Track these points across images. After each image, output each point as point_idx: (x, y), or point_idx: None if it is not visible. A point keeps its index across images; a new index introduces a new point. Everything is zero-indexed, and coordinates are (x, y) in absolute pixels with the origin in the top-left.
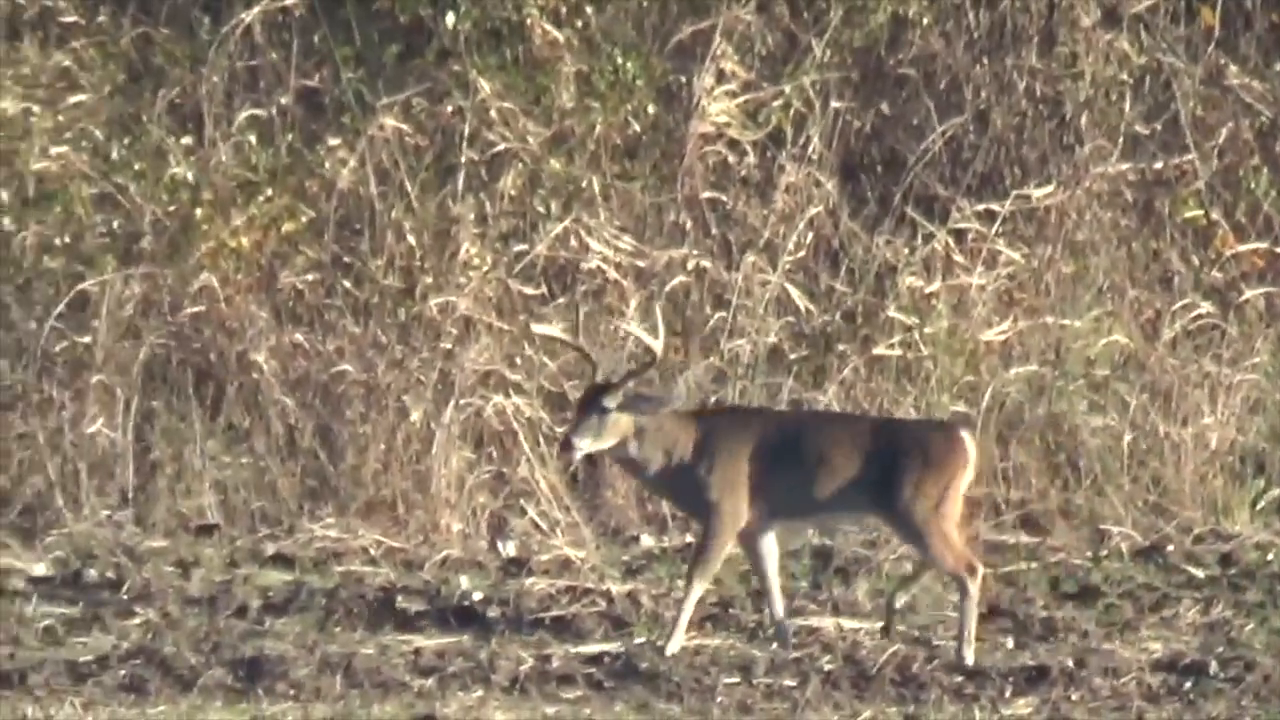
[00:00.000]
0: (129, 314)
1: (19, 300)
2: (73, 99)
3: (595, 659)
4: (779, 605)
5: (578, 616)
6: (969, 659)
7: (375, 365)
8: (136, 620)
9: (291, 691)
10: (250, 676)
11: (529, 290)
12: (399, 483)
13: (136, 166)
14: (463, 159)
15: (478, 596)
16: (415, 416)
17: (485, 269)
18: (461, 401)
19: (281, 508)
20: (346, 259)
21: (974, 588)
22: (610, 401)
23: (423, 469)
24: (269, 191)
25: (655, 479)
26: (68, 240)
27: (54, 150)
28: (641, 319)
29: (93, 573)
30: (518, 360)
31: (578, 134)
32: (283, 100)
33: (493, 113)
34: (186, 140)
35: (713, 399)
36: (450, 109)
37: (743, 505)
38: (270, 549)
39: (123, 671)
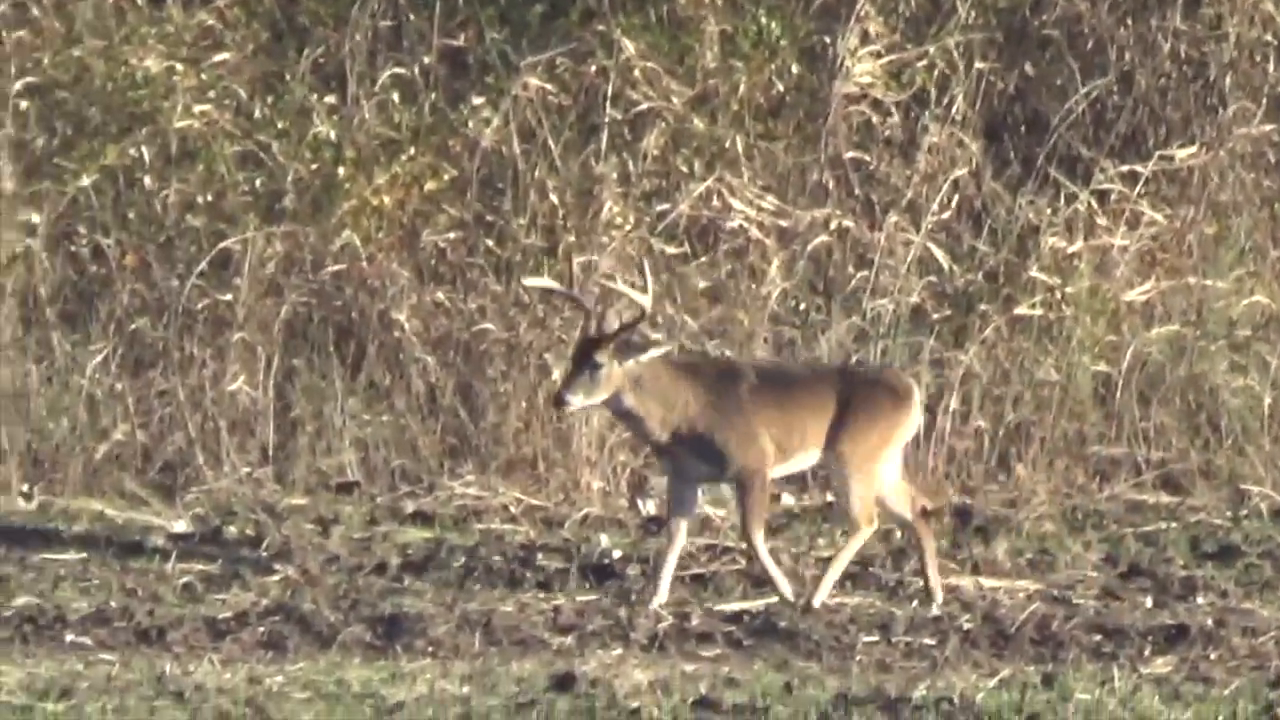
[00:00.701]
0: (270, 272)
1: (161, 258)
2: (216, 57)
3: (734, 617)
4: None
5: (717, 574)
6: (817, 602)
7: (517, 324)
8: (276, 577)
9: (430, 649)
10: (389, 634)
11: (671, 249)
12: (539, 441)
13: (279, 125)
14: (606, 118)
15: (617, 555)
16: (556, 375)
17: (628, 228)
18: None
19: (422, 466)
20: (489, 218)
21: (859, 540)
22: (601, 356)
23: (563, 427)
24: (411, 150)
25: (668, 439)
26: (210, 198)
27: (197, 109)
28: (638, 279)
29: (232, 530)
30: (659, 319)
31: (721, 94)
32: (426, 59)
33: (636, 72)
34: (330, 99)
35: (853, 358)
36: (594, 68)
37: (766, 443)
38: (410, 507)
39: (261, 628)
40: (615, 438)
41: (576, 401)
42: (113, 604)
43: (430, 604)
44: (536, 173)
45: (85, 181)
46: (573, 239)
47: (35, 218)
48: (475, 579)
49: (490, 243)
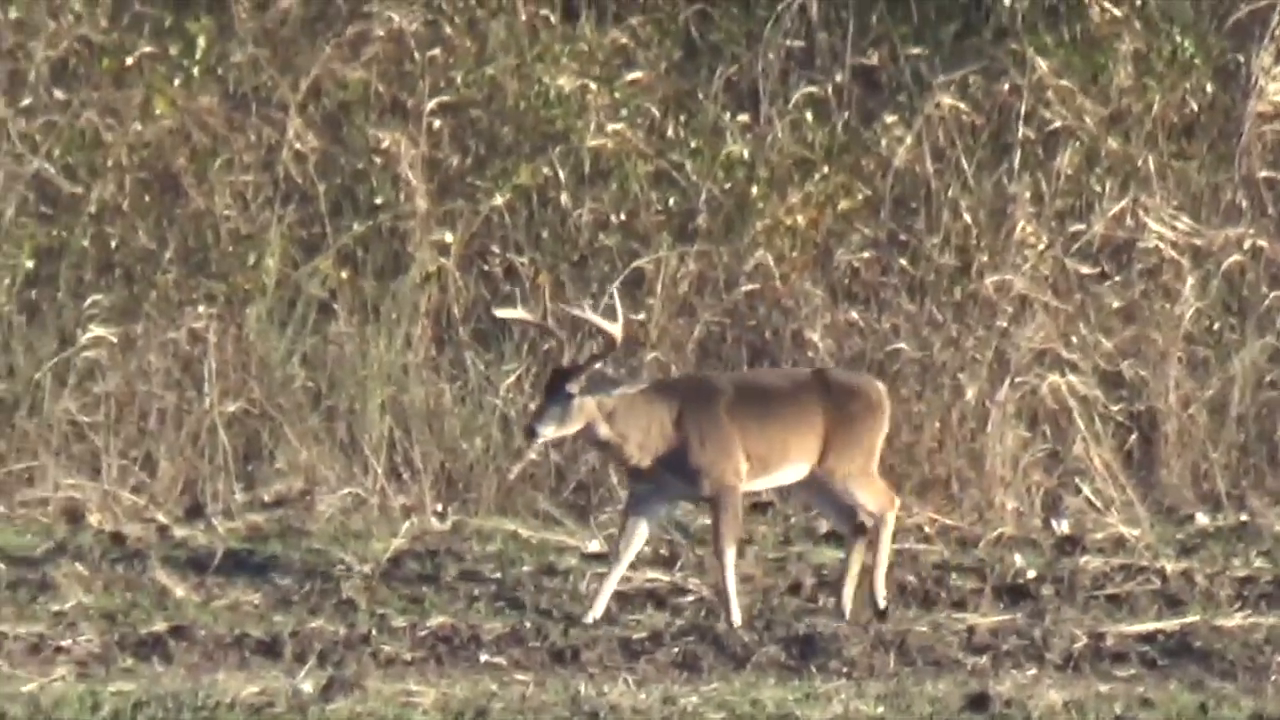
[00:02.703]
0: (684, 291)
1: (575, 277)
2: (629, 76)
3: (1149, 637)
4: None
5: (1131, 594)
6: (881, 603)
7: (930, 343)
8: (690, 598)
9: (844, 669)
10: (803, 654)
11: (1085, 269)
12: (953, 460)
13: (692, 144)
14: (1019, 137)
15: (1031, 574)
16: (970, 395)
17: (1041, 247)
18: (1017, 379)
19: None
20: (902, 236)
21: (890, 528)
22: (573, 386)
23: (977, 447)
24: (825, 169)
25: (644, 462)
26: (623, 217)
27: (610, 127)
28: (602, 306)
29: (646, 550)
30: (1073, 339)
31: (1135, 113)
32: (839, 77)
33: (1049, 91)
34: (742, 118)
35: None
36: (1007, 86)
37: (740, 462)
38: (824, 526)
39: (676, 649)
40: (1029, 457)
41: (548, 432)
42: (527, 624)
43: (844, 623)
44: (949, 191)
45: (498, 200)
46: (985, 258)
47: (448, 237)
48: (889, 598)
49: (904, 262)
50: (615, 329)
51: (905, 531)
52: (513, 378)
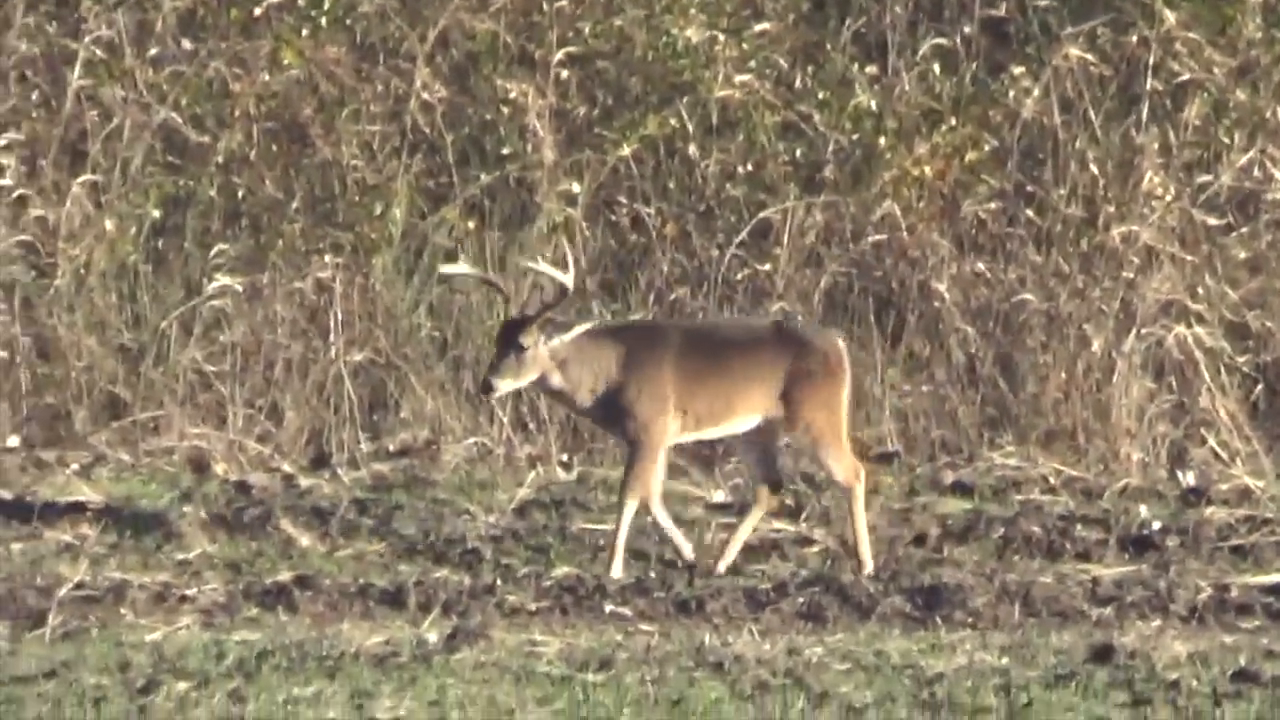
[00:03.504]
0: (810, 242)
1: (701, 228)
2: (757, 27)
3: (1274, 589)
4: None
5: (1257, 546)
6: (869, 569)
7: (1057, 294)
8: (815, 548)
9: (969, 620)
10: (928, 604)
11: (1212, 220)
12: (1079, 412)
13: (820, 95)
14: (1147, 88)
15: (1156, 526)
16: (1096, 346)
17: (1168, 199)
18: (1143, 331)
19: (961, 436)
20: (1029, 188)
21: (860, 499)
22: (525, 339)
23: (1103, 398)
24: (952, 121)
25: (585, 406)
26: (750, 168)
27: (738, 78)
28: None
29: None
30: (1199, 290)
31: (1263, 64)
32: (967, 29)
33: (1177, 43)
34: (870, 69)
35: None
36: (1135, 38)
37: (669, 418)
38: (949, 477)
39: (800, 599)
40: (1155, 409)
41: (504, 385)
42: (652, 574)
43: (969, 575)
44: (1077, 143)
45: (625, 151)
46: (1112, 210)
47: (576, 187)
48: (1014, 550)
49: (1030, 213)
50: (568, 278)
51: (1031, 483)
52: None
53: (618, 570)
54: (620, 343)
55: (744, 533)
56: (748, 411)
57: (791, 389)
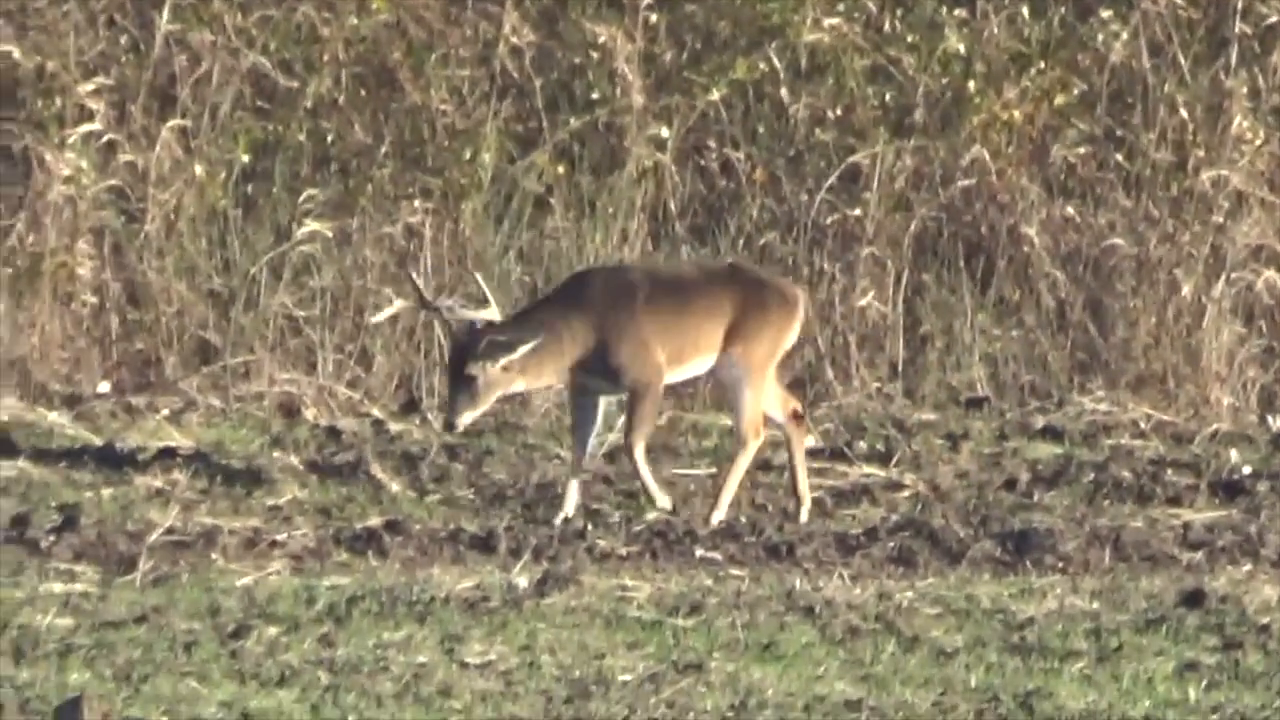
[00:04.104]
0: (900, 187)
1: (790, 173)
2: None
3: None
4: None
5: None
6: (715, 520)
7: (1146, 239)
8: (905, 493)
9: (1059, 564)
10: (1019, 549)
11: None
12: (1169, 356)
13: (909, 39)
14: (1236, 32)
15: (1247, 470)
16: (1186, 291)
17: (1258, 143)
18: (1233, 276)
19: (1051, 381)
20: (1119, 132)
21: (748, 456)
22: (474, 369)
23: (1193, 343)
24: (1040, 64)
25: (568, 380)
26: (840, 113)
27: (827, 22)
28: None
29: (862, 445)
30: None
31: None
32: None
33: None
34: (960, 12)
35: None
36: None
37: (658, 355)
38: (1039, 422)
39: (891, 544)
40: (1245, 353)
41: (466, 419)
42: (743, 519)
43: (1060, 519)
44: (1165, 87)
45: (714, 95)
46: (1202, 154)
47: (665, 132)
48: (1105, 494)
49: (1120, 157)
50: (492, 313)
51: (1121, 427)
52: None
53: (664, 500)
54: (586, 307)
55: (801, 472)
56: (710, 350)
57: (740, 321)
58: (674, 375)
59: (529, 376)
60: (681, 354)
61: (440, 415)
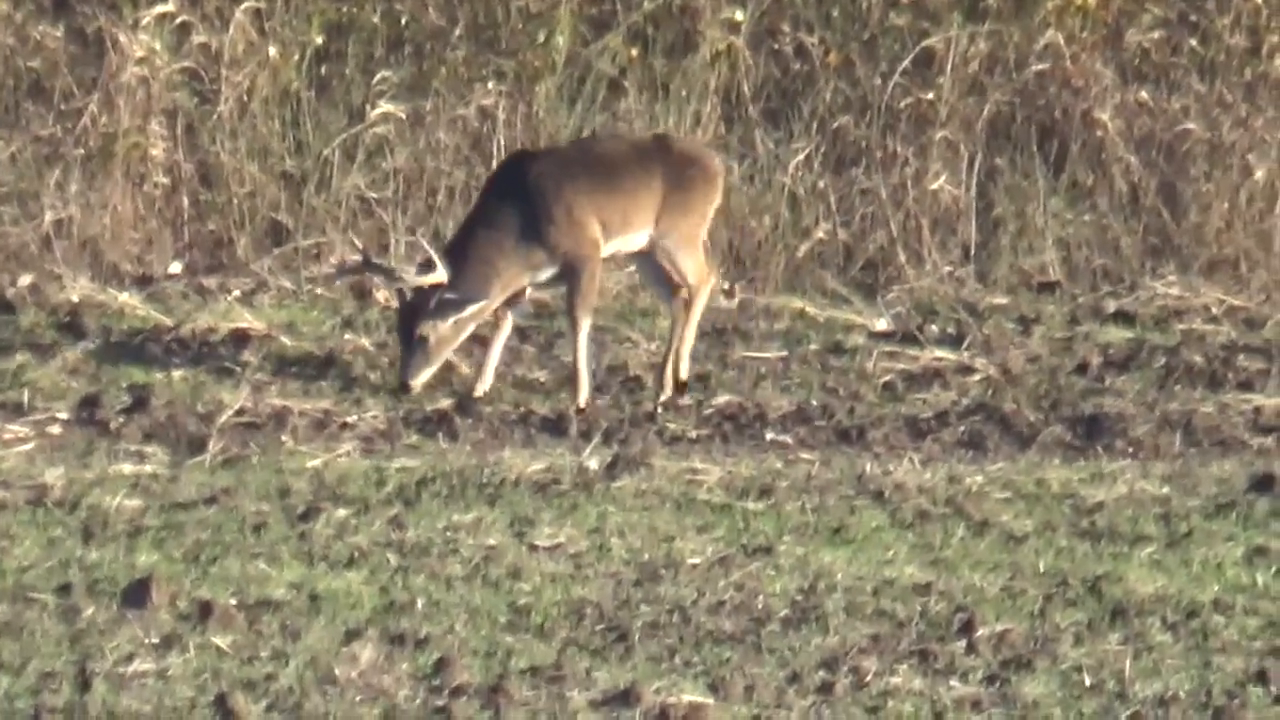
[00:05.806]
0: (974, 71)
1: (864, 56)
2: None
3: None
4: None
5: None
6: (684, 374)
7: (1220, 124)
8: (976, 377)
9: (1130, 449)
10: (1089, 434)
11: None
12: (1241, 241)
13: None
14: None
15: None
16: (1259, 175)
17: None
18: None
19: (1123, 265)
20: (1193, 17)
21: (703, 298)
22: (424, 329)
23: (1265, 228)
24: None
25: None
26: None
27: None
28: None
29: (933, 329)
30: None
31: None
32: None
33: None
34: None
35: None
36: None
37: (593, 230)
38: (1111, 306)
39: (962, 428)
40: None
41: (421, 378)
42: (813, 402)
43: (1131, 404)
44: None
45: None
46: (1276, 39)
47: (739, 15)
48: (1175, 379)
49: (1194, 42)
50: (443, 274)
51: (1193, 312)
52: (801, 155)
53: (584, 396)
54: (525, 206)
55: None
56: (642, 226)
57: (669, 194)
58: (610, 248)
59: (479, 319)
60: (616, 227)
61: (394, 376)
